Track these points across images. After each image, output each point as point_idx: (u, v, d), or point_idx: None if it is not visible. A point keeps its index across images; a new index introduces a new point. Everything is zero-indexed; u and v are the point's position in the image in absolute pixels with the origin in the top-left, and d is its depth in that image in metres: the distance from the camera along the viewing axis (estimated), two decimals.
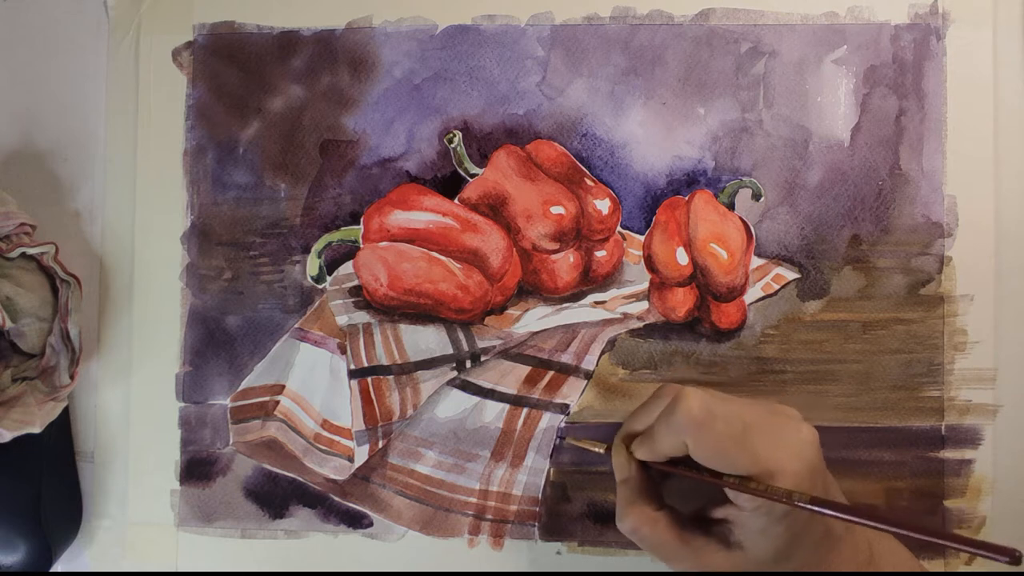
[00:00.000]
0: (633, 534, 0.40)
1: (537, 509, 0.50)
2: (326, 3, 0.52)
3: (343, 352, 0.51)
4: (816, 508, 0.35)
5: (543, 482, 0.50)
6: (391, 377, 0.50)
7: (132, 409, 0.52)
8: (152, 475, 0.51)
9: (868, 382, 0.49)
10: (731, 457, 0.36)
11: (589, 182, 0.50)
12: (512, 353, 0.50)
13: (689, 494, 0.42)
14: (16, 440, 0.45)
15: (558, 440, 0.50)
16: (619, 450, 0.42)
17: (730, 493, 0.38)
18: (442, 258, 0.50)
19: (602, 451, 0.44)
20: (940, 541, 0.32)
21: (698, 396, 0.37)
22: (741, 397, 0.41)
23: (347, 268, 0.51)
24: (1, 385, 0.48)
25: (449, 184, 0.51)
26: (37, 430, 0.46)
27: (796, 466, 0.36)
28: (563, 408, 0.50)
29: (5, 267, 0.48)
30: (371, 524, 0.51)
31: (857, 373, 0.49)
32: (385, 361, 0.50)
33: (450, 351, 0.50)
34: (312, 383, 0.51)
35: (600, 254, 0.51)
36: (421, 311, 0.51)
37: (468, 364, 0.50)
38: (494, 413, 0.50)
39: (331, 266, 0.51)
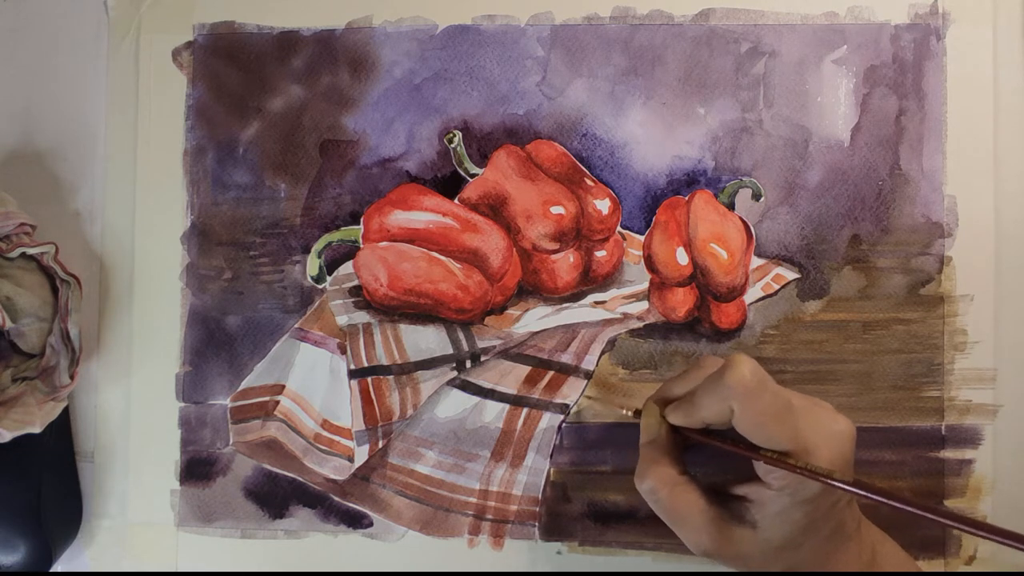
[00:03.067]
0: (651, 494, 0.40)
1: (537, 509, 0.50)
2: (326, 3, 0.52)
3: (343, 352, 0.51)
4: (860, 491, 0.34)
5: (543, 482, 0.50)
6: (391, 377, 0.50)
7: (132, 409, 0.52)
8: (152, 475, 0.51)
9: (868, 382, 0.49)
10: (770, 431, 0.36)
11: (589, 182, 0.50)
12: (512, 353, 0.50)
13: (711, 472, 0.42)
14: (16, 440, 0.45)
15: (567, 417, 0.50)
16: (651, 411, 0.41)
17: (761, 470, 0.38)
18: (442, 258, 0.50)
19: (629, 413, 0.43)
20: (984, 534, 0.31)
21: (751, 363, 0.37)
22: None
23: (347, 268, 0.51)
24: (1, 385, 0.48)
25: (449, 184, 0.51)
26: (37, 430, 0.46)
27: (830, 454, 0.36)
28: (563, 408, 0.50)
29: (5, 267, 0.48)
30: (371, 524, 0.51)
31: (857, 373, 0.49)
32: (385, 361, 0.50)
33: (450, 351, 0.50)
34: (312, 383, 0.51)
35: (600, 254, 0.51)
36: (421, 311, 0.51)
37: (468, 364, 0.50)
38: (494, 413, 0.50)
39: (331, 266, 0.51)
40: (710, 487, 0.41)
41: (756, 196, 0.50)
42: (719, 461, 0.40)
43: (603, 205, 0.50)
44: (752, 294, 0.50)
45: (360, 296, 0.51)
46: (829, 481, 0.35)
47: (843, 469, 0.37)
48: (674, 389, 0.41)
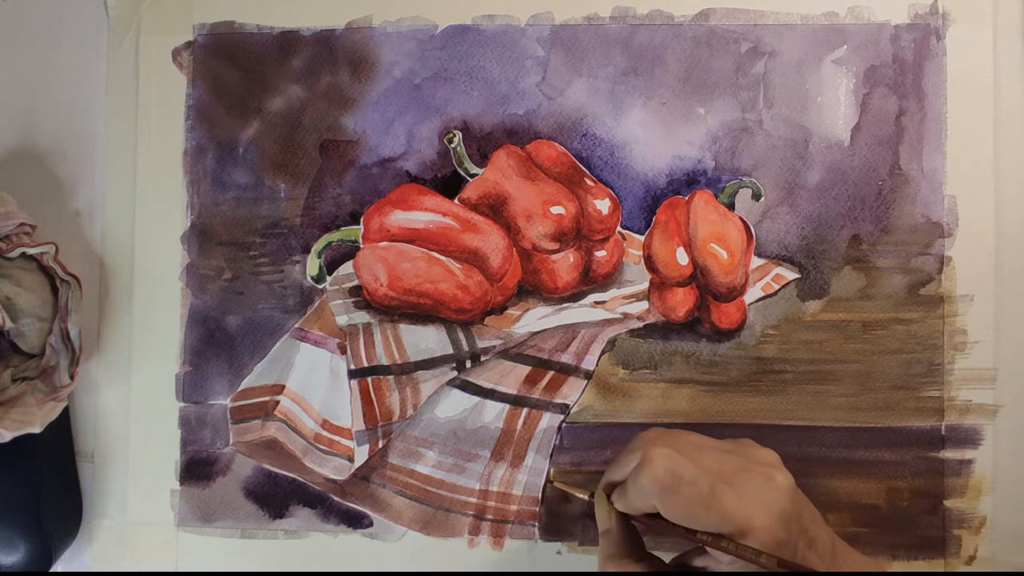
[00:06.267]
0: None
1: (537, 509, 0.50)
2: (326, 3, 0.52)
3: (343, 352, 0.51)
4: (779, 570, 0.35)
5: (543, 482, 0.50)
6: (391, 377, 0.50)
7: (132, 409, 0.52)
8: (152, 475, 0.51)
9: (868, 382, 0.49)
10: (700, 518, 0.36)
11: (589, 182, 0.50)
12: (512, 353, 0.50)
13: (675, 538, 0.42)
14: (16, 440, 0.45)
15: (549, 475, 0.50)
16: (601, 500, 0.42)
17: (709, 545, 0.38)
18: (442, 258, 0.50)
19: (587, 497, 0.43)
20: None
21: (663, 459, 0.37)
22: (720, 440, 0.40)
23: (347, 268, 0.51)
24: (1, 385, 0.48)
25: (449, 184, 0.51)
26: (37, 430, 0.46)
27: (767, 521, 0.36)
28: (563, 408, 0.50)
29: (5, 267, 0.48)
30: (371, 524, 0.51)
31: (857, 373, 0.49)
32: (385, 361, 0.50)
33: (450, 351, 0.50)
34: (312, 383, 0.51)
35: (600, 254, 0.51)
36: (421, 311, 0.51)
37: (468, 364, 0.50)
38: (494, 413, 0.50)
39: (331, 266, 0.51)
40: (676, 560, 0.41)
41: (756, 196, 0.50)
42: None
43: (603, 205, 0.50)
44: (752, 294, 0.50)
45: (360, 296, 0.51)
46: (754, 561, 0.35)
47: (786, 526, 0.36)
48: (614, 475, 0.41)
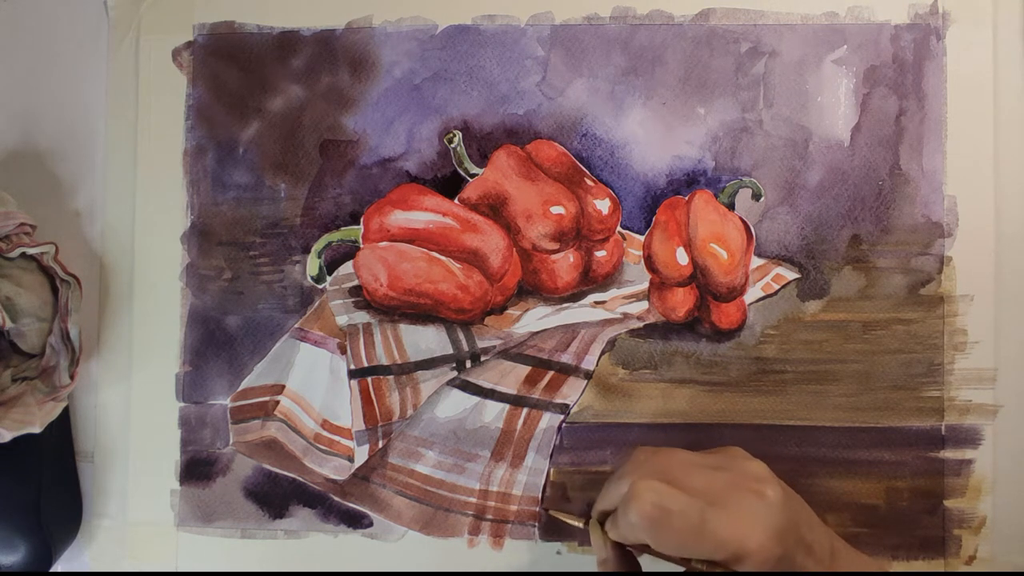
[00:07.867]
0: None
1: (537, 509, 0.50)
2: (326, 3, 0.52)
3: (343, 352, 0.51)
4: None
5: (543, 482, 0.50)
6: (391, 377, 0.50)
7: (132, 409, 0.52)
8: (152, 475, 0.51)
9: (868, 382, 0.49)
10: (693, 548, 0.36)
11: (589, 182, 0.50)
12: (512, 353, 0.50)
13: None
14: (16, 440, 0.45)
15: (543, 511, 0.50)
16: (595, 529, 0.41)
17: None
18: (442, 258, 0.50)
19: (581, 525, 0.43)
20: None
21: (650, 493, 0.36)
22: (709, 455, 0.40)
23: (347, 268, 0.51)
24: (1, 385, 0.48)
25: (449, 184, 0.51)
26: (37, 430, 0.46)
27: (762, 539, 0.35)
28: (563, 408, 0.50)
29: (5, 267, 0.48)
30: (371, 524, 0.51)
31: (857, 373, 0.49)
32: (385, 361, 0.50)
33: (450, 351, 0.50)
34: (312, 383, 0.51)
35: (600, 254, 0.51)
36: (421, 311, 0.51)
37: (468, 364, 0.50)
38: (494, 413, 0.50)
39: (331, 266, 0.51)
40: None
41: (756, 196, 0.50)
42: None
43: (603, 205, 0.50)
44: (752, 294, 0.50)
45: (360, 296, 0.51)
46: None
47: (782, 542, 0.36)
48: (605, 503, 0.41)
